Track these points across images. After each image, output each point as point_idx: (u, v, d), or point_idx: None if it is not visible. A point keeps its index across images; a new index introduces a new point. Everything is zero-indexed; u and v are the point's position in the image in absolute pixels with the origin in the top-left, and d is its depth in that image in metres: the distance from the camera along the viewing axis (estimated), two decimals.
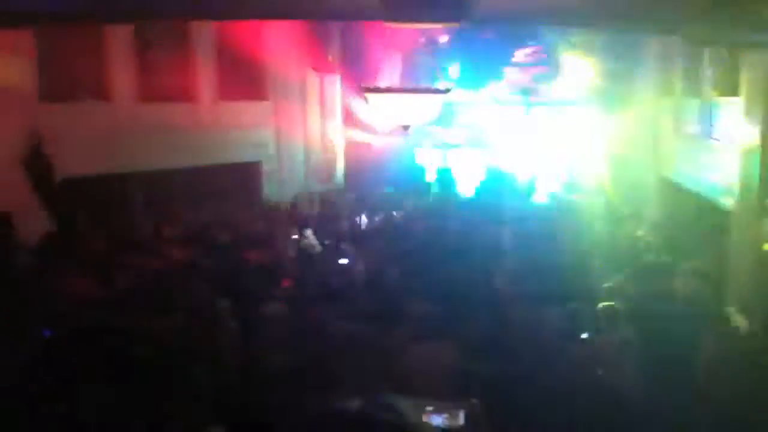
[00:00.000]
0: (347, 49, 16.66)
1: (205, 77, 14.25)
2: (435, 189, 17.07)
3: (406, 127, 7.39)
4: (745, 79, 8.38)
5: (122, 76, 12.76)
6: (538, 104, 17.79)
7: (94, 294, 6.86)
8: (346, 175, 17.74)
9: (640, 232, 11.72)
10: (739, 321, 7.25)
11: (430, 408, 4.61)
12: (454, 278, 7.75)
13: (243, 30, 15.24)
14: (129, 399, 4.41)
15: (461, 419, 4.57)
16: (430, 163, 17.86)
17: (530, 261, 8.45)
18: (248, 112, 15.31)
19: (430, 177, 17.63)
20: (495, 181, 16.51)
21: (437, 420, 4.55)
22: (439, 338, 5.75)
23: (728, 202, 9.02)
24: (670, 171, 12.91)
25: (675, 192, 12.54)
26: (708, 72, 10.46)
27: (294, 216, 12.75)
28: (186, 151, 13.50)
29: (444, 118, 17.12)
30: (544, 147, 17.51)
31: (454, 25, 14.51)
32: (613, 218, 12.82)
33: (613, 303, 6.43)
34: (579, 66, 15.71)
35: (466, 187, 16.93)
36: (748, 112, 8.25)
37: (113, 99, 12.68)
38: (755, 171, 7.93)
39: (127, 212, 12.46)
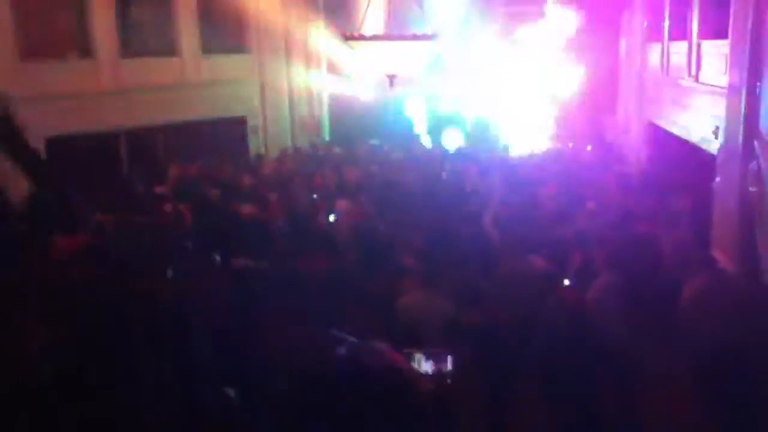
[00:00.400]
0: None
1: (187, 31, 14.01)
2: (423, 139, 17.00)
3: (391, 77, 7.28)
4: (732, 21, 8.31)
5: (104, 31, 12.55)
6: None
7: (83, 254, 6.83)
8: (332, 127, 17.62)
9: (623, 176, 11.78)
10: (725, 263, 7.35)
11: (418, 354, 4.66)
12: (442, 228, 7.80)
13: None
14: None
15: (449, 364, 4.63)
16: (418, 114, 17.68)
17: (516, 207, 8.50)
18: (231, 66, 15.11)
19: (419, 128, 17.51)
20: (482, 130, 16.49)
21: (425, 365, 4.61)
22: (427, 287, 5.81)
23: (714, 144, 9.05)
24: (656, 115, 12.91)
25: (661, 135, 12.56)
26: (695, 14, 10.36)
27: (281, 170, 12.68)
28: (170, 107, 13.37)
29: (432, 67, 16.97)
30: (528, 95, 17.35)
31: None
32: (596, 164, 12.86)
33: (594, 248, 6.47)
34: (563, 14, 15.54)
35: (454, 137, 16.86)
36: (734, 55, 8.21)
37: (96, 56, 12.49)
38: (741, 113, 7.93)
39: (114, 169, 12.39)
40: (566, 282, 5.94)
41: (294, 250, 6.72)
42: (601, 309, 5.41)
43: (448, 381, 4.58)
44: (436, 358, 4.65)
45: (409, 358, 4.56)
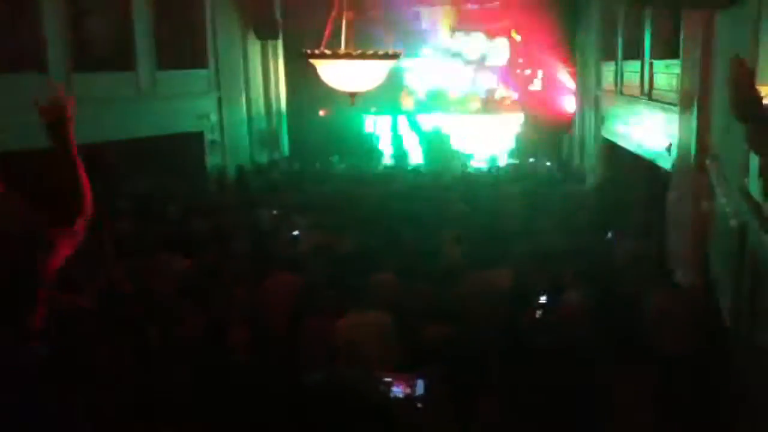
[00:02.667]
0: (290, 13, 16.34)
1: (142, 45, 13.80)
2: (384, 156, 17.08)
3: (352, 95, 7.28)
4: (683, 41, 8.56)
5: (58, 45, 12.28)
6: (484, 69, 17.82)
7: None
8: (291, 142, 17.54)
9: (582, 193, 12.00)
10: (681, 278, 7.51)
11: (387, 379, 4.57)
12: (405, 245, 7.80)
13: None
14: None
15: (420, 388, 4.55)
16: (378, 131, 17.75)
17: (478, 225, 8.56)
18: (188, 81, 14.92)
19: (379, 144, 17.57)
20: (441, 146, 16.64)
21: (396, 390, 4.52)
22: (392, 307, 5.78)
23: (667, 161, 9.27)
24: (611, 132, 13.20)
25: (616, 152, 12.84)
26: (648, 34, 10.65)
27: (240, 186, 12.57)
28: (125, 122, 13.12)
29: (393, 85, 17.08)
30: (488, 112, 17.61)
31: None
32: (556, 180, 13.09)
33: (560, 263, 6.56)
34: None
35: (415, 153, 16.99)
36: (686, 74, 8.45)
37: (49, 70, 12.20)
38: (692, 130, 8.15)
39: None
40: (542, 298, 5.99)
41: (258, 268, 6.64)
42: (571, 325, 5.47)
43: (419, 405, 4.51)
44: (406, 382, 4.56)
45: (379, 382, 4.49)
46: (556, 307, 5.82)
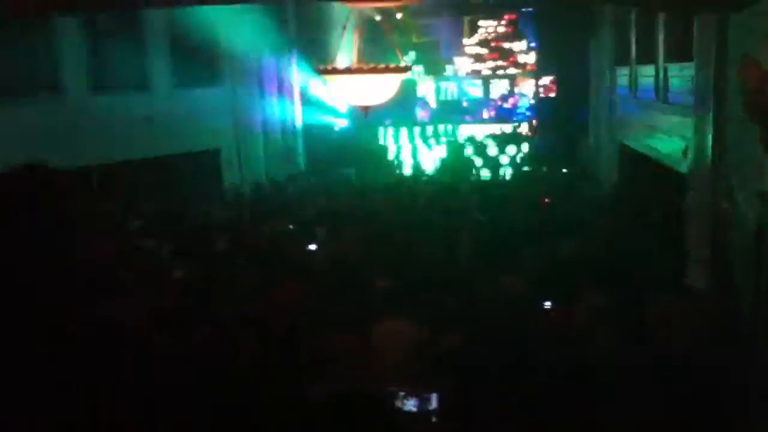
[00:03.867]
0: (303, 31, 16.52)
1: (158, 65, 13.99)
2: (400, 167, 17.13)
3: (365, 108, 7.35)
4: (697, 44, 8.52)
5: (75, 68, 12.48)
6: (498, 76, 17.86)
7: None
8: (308, 157, 17.65)
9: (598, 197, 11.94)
10: (697, 280, 7.44)
11: (401, 393, 4.52)
12: (419, 256, 7.80)
13: (196, 16, 14.98)
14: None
15: (434, 402, 4.51)
16: (392, 143, 17.83)
17: (494, 233, 8.54)
18: (204, 99, 15.09)
19: (393, 156, 17.64)
20: (456, 156, 16.66)
21: (409, 405, 4.48)
22: (407, 317, 5.77)
23: (684, 164, 9.21)
24: (626, 136, 13.13)
25: (632, 157, 12.77)
26: (661, 38, 10.61)
27: (257, 202, 12.65)
28: (142, 142, 13.28)
29: (407, 97, 17.19)
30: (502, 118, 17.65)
31: (416, 3, 14.54)
32: (573, 185, 13.03)
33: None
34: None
35: (429, 165, 17.03)
36: (701, 77, 8.40)
37: (67, 92, 12.41)
38: (709, 133, 8.09)
39: (88, 206, 12.22)
40: (547, 304, 5.95)
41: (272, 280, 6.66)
42: (587, 332, 5.43)
43: (434, 420, 4.49)
44: (421, 397, 4.52)
45: (392, 397, 4.47)
46: (567, 314, 5.78)
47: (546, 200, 10.37)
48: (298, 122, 17.55)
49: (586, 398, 4.54)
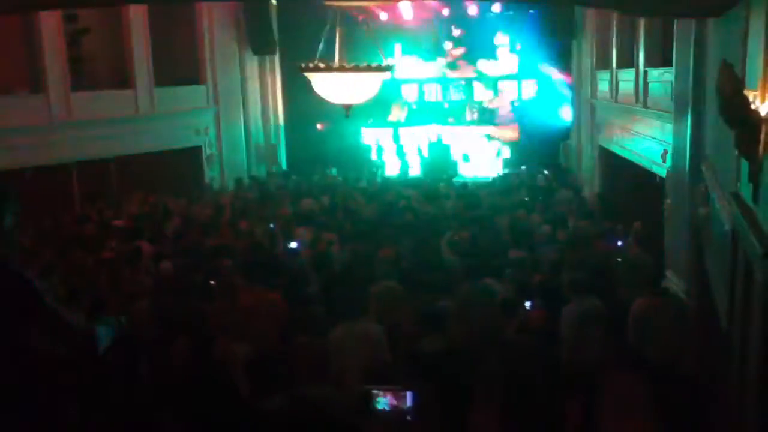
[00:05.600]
0: (287, 28, 16.47)
1: (140, 63, 13.89)
2: (381, 168, 17.11)
3: (348, 107, 7.35)
4: (676, 49, 8.60)
5: (55, 66, 12.36)
6: (480, 79, 17.91)
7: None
8: (289, 156, 17.61)
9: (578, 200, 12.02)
10: (676, 283, 7.51)
11: (375, 391, 4.51)
12: (402, 256, 7.82)
13: (177, 13, 14.90)
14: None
15: (408, 401, 4.50)
16: (375, 143, 17.83)
17: (473, 234, 8.57)
18: (185, 96, 15.02)
19: (377, 156, 17.64)
20: (439, 157, 16.69)
21: (383, 403, 4.48)
22: (387, 318, 5.78)
23: (663, 168, 9.30)
24: (607, 140, 13.24)
25: (612, 160, 12.88)
26: (642, 43, 10.70)
27: (238, 200, 12.59)
28: (123, 139, 13.20)
29: (390, 97, 17.20)
30: (485, 120, 17.71)
31: (395, 2, 14.54)
32: (551, 188, 13.11)
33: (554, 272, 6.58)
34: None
35: (412, 165, 17.05)
36: (679, 81, 8.49)
37: (47, 90, 12.29)
38: (688, 137, 8.18)
39: (67, 204, 12.14)
40: (527, 305, 5.99)
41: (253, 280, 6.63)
42: (570, 334, 5.47)
43: (408, 418, 4.48)
44: (395, 394, 4.51)
45: (366, 395, 4.46)
46: (548, 314, 5.83)
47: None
48: (281, 121, 17.51)
49: (567, 398, 4.58)
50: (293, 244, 8.73)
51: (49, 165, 11.96)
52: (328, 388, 4.27)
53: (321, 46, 7.28)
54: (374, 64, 6.94)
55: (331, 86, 7.02)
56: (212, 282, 6.64)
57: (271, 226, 9.76)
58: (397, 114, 18.16)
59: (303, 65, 7.04)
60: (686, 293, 7.66)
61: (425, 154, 17.01)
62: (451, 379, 4.92)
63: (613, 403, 5.20)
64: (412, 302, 6.32)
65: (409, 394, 4.50)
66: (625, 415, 5.16)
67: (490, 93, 17.79)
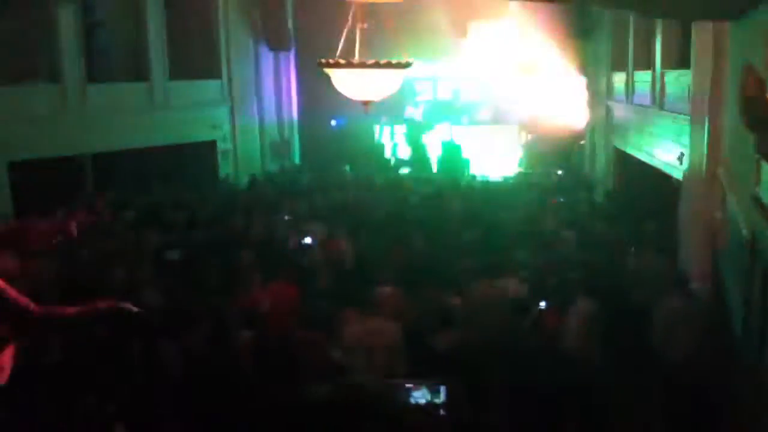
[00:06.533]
0: (302, 24, 16.48)
1: (156, 56, 13.95)
2: (395, 165, 17.13)
3: (366, 103, 7.34)
4: (694, 51, 8.56)
5: (72, 56, 12.43)
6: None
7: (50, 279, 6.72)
8: (303, 152, 17.63)
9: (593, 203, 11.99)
10: (693, 285, 7.47)
11: (409, 385, 4.53)
12: (415, 253, 7.82)
13: (194, 7, 14.95)
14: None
15: (443, 395, 4.51)
16: (390, 140, 17.84)
17: (487, 233, 8.57)
18: (200, 91, 15.07)
19: (391, 153, 17.65)
20: (452, 156, 16.67)
21: (418, 396, 4.48)
22: (400, 314, 5.78)
23: (679, 171, 9.26)
24: (622, 142, 13.18)
25: (627, 162, 12.83)
26: (658, 45, 10.66)
27: (252, 194, 12.62)
28: (137, 132, 13.26)
29: (405, 94, 17.19)
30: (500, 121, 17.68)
31: None
32: (565, 188, 13.08)
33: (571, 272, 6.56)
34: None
35: (427, 163, 17.05)
36: (697, 84, 8.45)
37: (64, 80, 12.36)
38: (704, 140, 8.14)
39: (80, 195, 12.21)
40: (542, 305, 5.98)
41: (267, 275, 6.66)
42: (576, 337, 5.46)
43: (441, 412, 4.47)
44: (429, 388, 4.53)
45: (400, 389, 4.47)
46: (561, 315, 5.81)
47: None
48: (295, 116, 17.53)
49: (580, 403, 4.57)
50: (306, 240, 8.74)
51: (63, 156, 12.07)
52: (373, 378, 4.30)
53: (342, 42, 7.29)
54: (395, 60, 6.94)
55: (352, 82, 7.02)
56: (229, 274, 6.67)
57: (286, 218, 9.81)
58: (410, 112, 18.16)
59: (322, 60, 7.05)
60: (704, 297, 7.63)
61: (439, 152, 17.00)
62: (463, 376, 4.93)
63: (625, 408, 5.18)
64: (422, 300, 6.32)
65: (443, 389, 4.51)
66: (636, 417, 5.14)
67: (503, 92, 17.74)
